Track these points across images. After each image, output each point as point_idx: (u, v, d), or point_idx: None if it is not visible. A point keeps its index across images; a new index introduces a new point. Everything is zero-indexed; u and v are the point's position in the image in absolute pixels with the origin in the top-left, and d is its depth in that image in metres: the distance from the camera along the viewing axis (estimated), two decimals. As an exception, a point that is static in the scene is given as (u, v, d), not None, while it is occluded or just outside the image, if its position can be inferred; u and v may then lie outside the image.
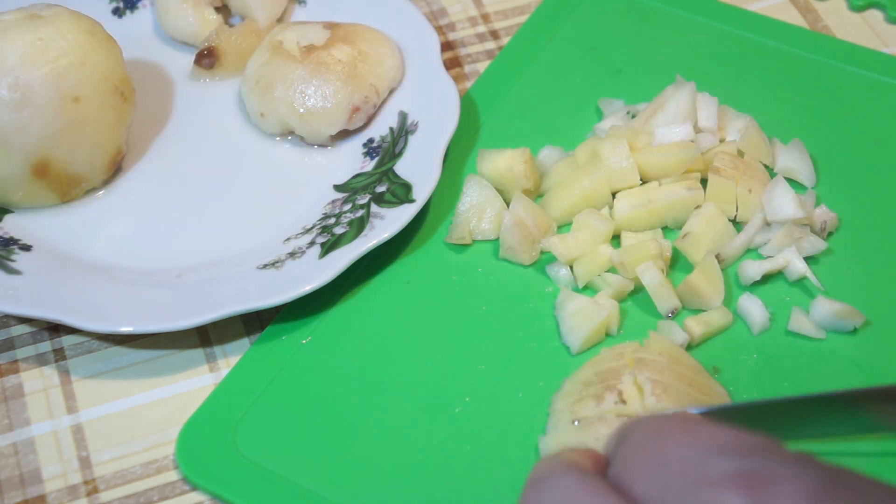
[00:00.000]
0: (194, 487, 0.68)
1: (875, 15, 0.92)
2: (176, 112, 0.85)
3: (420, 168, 0.78)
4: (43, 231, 0.78)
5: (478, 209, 0.77)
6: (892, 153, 0.81)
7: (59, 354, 0.74)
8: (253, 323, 0.75)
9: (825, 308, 0.72)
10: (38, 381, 0.72)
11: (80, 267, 0.75)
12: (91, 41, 0.77)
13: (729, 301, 0.74)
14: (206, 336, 0.74)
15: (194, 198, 0.81)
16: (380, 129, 0.82)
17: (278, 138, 0.83)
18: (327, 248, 0.74)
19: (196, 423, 0.69)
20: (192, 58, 0.87)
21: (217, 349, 0.74)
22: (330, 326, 0.73)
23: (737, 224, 0.77)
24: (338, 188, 0.80)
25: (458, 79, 0.88)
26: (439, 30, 0.92)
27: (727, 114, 0.82)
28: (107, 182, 0.81)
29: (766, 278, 0.74)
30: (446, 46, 0.91)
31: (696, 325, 0.71)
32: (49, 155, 0.76)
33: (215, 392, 0.71)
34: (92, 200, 0.80)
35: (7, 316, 0.75)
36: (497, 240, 0.77)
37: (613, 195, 0.77)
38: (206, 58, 0.86)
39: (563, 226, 0.77)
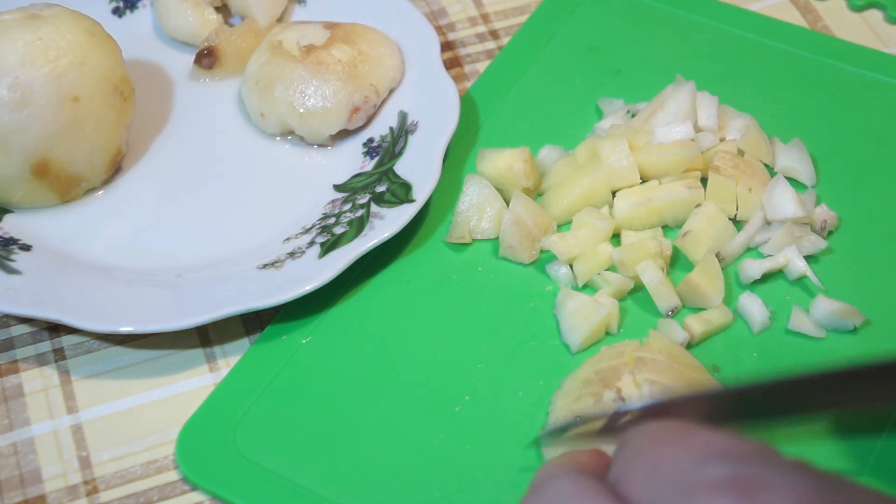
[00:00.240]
0: (194, 487, 0.68)
1: (875, 15, 0.92)
2: (176, 112, 0.85)
3: (420, 168, 0.78)
4: (43, 231, 0.78)
5: (478, 208, 0.77)
6: (892, 153, 0.81)
7: (59, 354, 0.74)
8: (253, 323, 0.75)
9: (825, 307, 0.72)
10: (37, 381, 0.72)
11: (80, 267, 0.75)
12: (91, 41, 0.77)
13: (729, 300, 0.74)
14: (206, 336, 0.74)
15: (194, 198, 0.81)
16: (380, 129, 0.82)
17: (278, 138, 0.84)
18: (327, 248, 0.74)
19: (196, 423, 0.69)
20: (192, 58, 0.87)
21: (217, 349, 0.74)
22: (330, 326, 0.73)
23: (737, 223, 0.77)
24: (338, 188, 0.80)
25: (457, 79, 0.88)
26: (439, 30, 0.92)
27: (727, 113, 0.82)
28: (107, 182, 0.81)
29: (767, 277, 0.74)
30: (446, 46, 0.91)
31: (696, 324, 0.71)
32: (49, 155, 0.76)
33: (215, 392, 0.71)
34: (92, 200, 0.80)
35: (7, 316, 0.75)
36: (497, 239, 0.77)
37: (613, 194, 0.77)
38: (206, 58, 0.86)
39: (563, 225, 0.77)
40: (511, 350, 0.72)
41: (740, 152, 0.79)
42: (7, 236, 0.77)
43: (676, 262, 0.75)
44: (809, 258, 0.75)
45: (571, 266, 0.75)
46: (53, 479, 0.68)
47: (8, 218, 0.78)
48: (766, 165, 0.79)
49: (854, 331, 0.72)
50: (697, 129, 0.80)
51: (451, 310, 0.74)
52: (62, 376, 0.73)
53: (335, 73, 0.81)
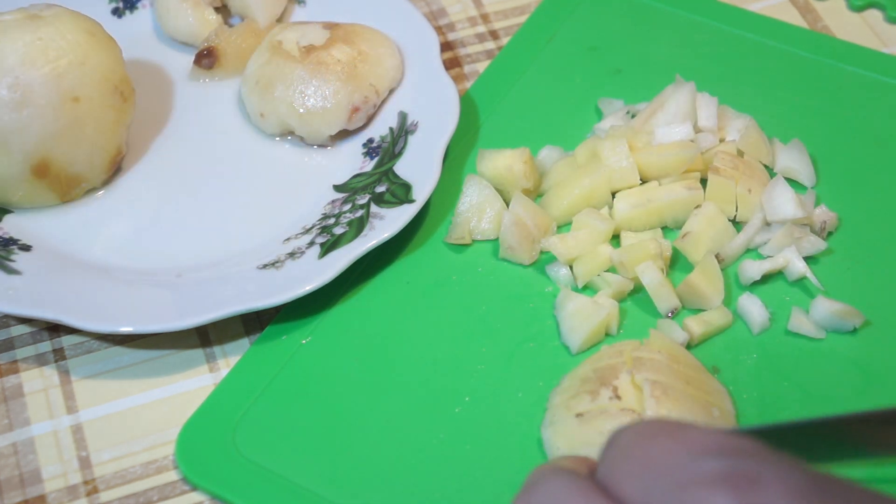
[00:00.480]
0: (194, 487, 0.68)
1: (875, 15, 0.92)
2: (176, 112, 0.85)
3: (420, 168, 0.78)
4: (43, 231, 0.78)
5: (477, 209, 0.77)
6: (892, 153, 0.81)
7: (59, 354, 0.74)
8: (253, 323, 0.75)
9: (825, 308, 0.72)
10: (37, 381, 0.72)
11: (80, 267, 0.75)
12: (91, 41, 0.77)
13: (729, 301, 0.74)
14: (206, 336, 0.74)
15: (194, 198, 0.81)
16: (379, 129, 0.82)
17: (278, 138, 0.84)
18: (327, 249, 0.74)
19: (196, 424, 0.69)
20: (192, 58, 0.87)
21: (217, 349, 0.74)
22: (330, 326, 0.73)
23: (736, 224, 0.77)
24: (337, 188, 0.80)
25: (457, 79, 0.88)
26: (439, 30, 0.92)
27: (727, 114, 0.82)
28: (107, 182, 0.81)
29: (766, 278, 0.74)
30: (446, 46, 0.91)
31: (696, 325, 0.71)
32: (49, 155, 0.76)
33: (215, 392, 0.71)
34: (92, 200, 0.80)
35: (7, 316, 0.75)
36: (497, 240, 0.77)
37: (613, 195, 0.77)
38: (206, 58, 0.86)
39: (563, 225, 0.77)
40: (511, 351, 0.72)
41: (740, 153, 0.79)
42: (7, 236, 0.77)
43: (676, 263, 0.75)
44: (809, 259, 0.75)
45: (571, 267, 0.75)
46: (53, 479, 0.68)
47: (8, 218, 0.78)
48: (766, 166, 0.79)
49: (854, 331, 0.72)
50: (697, 130, 0.80)
51: (451, 310, 0.74)
52: (62, 376, 0.73)
53: (335, 73, 0.81)
